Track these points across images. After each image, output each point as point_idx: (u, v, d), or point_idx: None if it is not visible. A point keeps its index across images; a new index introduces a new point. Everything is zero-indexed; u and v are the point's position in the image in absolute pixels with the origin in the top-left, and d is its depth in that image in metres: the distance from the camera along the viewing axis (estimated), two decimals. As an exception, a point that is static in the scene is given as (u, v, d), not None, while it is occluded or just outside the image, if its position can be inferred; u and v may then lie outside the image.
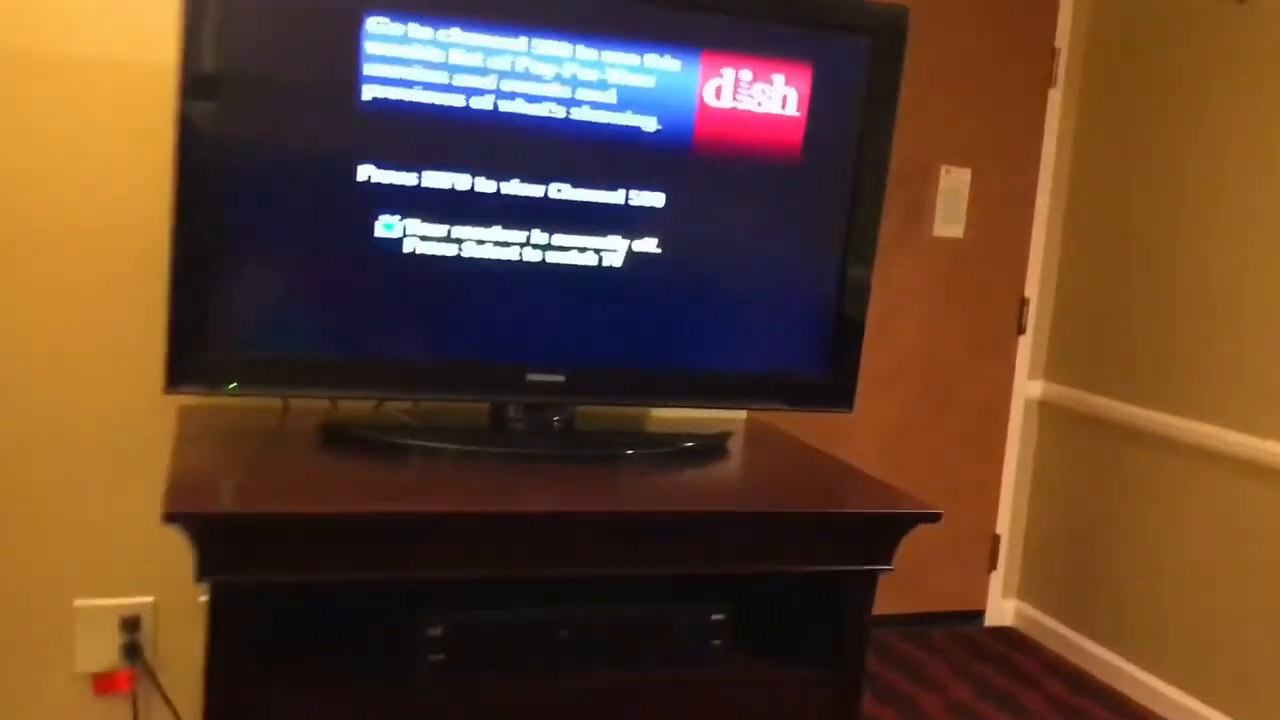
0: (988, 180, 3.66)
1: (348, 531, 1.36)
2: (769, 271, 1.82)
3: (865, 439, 3.60)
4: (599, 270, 1.72)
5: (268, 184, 1.57)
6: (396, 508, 1.40)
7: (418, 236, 1.64)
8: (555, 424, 1.77)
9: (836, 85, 1.79)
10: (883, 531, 1.57)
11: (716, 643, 1.57)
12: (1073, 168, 3.69)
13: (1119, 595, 3.40)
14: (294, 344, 1.62)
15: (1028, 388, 3.79)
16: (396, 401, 1.79)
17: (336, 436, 1.65)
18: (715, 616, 1.56)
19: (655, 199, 1.73)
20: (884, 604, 3.71)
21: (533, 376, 1.71)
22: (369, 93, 1.58)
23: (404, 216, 1.62)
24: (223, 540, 1.31)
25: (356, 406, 1.79)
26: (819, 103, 1.78)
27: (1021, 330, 3.77)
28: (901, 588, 3.74)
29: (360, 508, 1.38)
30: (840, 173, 1.82)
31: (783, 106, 1.77)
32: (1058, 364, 3.73)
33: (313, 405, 1.77)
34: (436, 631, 1.44)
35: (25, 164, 1.74)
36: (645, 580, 1.55)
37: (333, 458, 1.61)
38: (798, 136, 1.79)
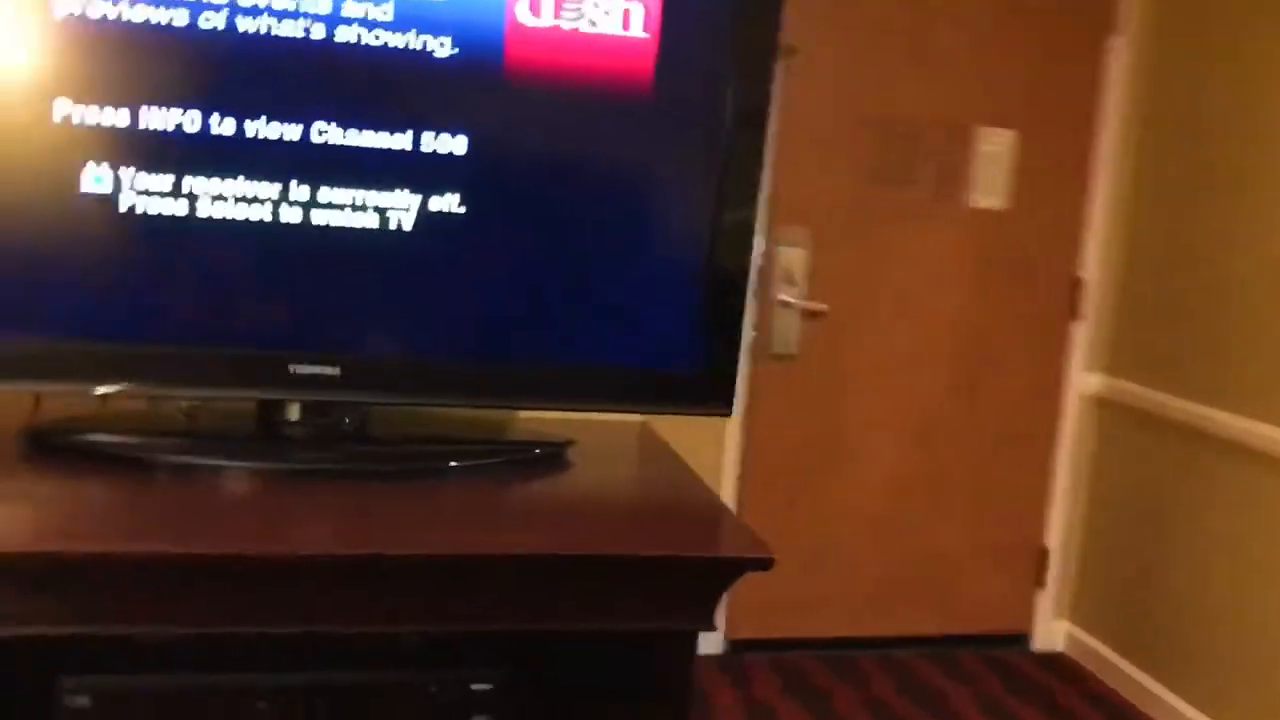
0: (1035, 144, 3.17)
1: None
2: (610, 237, 1.43)
3: (882, 435, 3.17)
4: (383, 234, 1.36)
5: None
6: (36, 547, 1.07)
7: (136, 190, 1.30)
8: (346, 426, 1.42)
9: (698, -2, 1.39)
10: (691, 581, 1.17)
11: (480, 720, 1.20)
12: (1136, 129, 3.17)
13: (1183, 622, 2.89)
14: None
15: (1084, 381, 3.29)
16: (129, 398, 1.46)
17: (42, 444, 1.33)
18: (478, 686, 1.19)
19: (455, 144, 1.36)
20: (907, 623, 3.37)
21: (297, 368, 1.36)
22: (65, 6, 1.25)
23: (118, 166, 1.29)
24: None
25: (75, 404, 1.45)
26: (674, 20, 1.38)
27: (1076, 316, 3.27)
28: (928, 604, 3.31)
29: None
30: (707, 111, 1.41)
31: (625, 26, 1.37)
32: (1120, 355, 3.22)
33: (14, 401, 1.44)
34: (83, 702, 1.10)
35: None
36: (392, 639, 1.19)
37: (32, 472, 1.29)
38: (647, 64, 1.39)
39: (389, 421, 1.48)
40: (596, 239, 1.43)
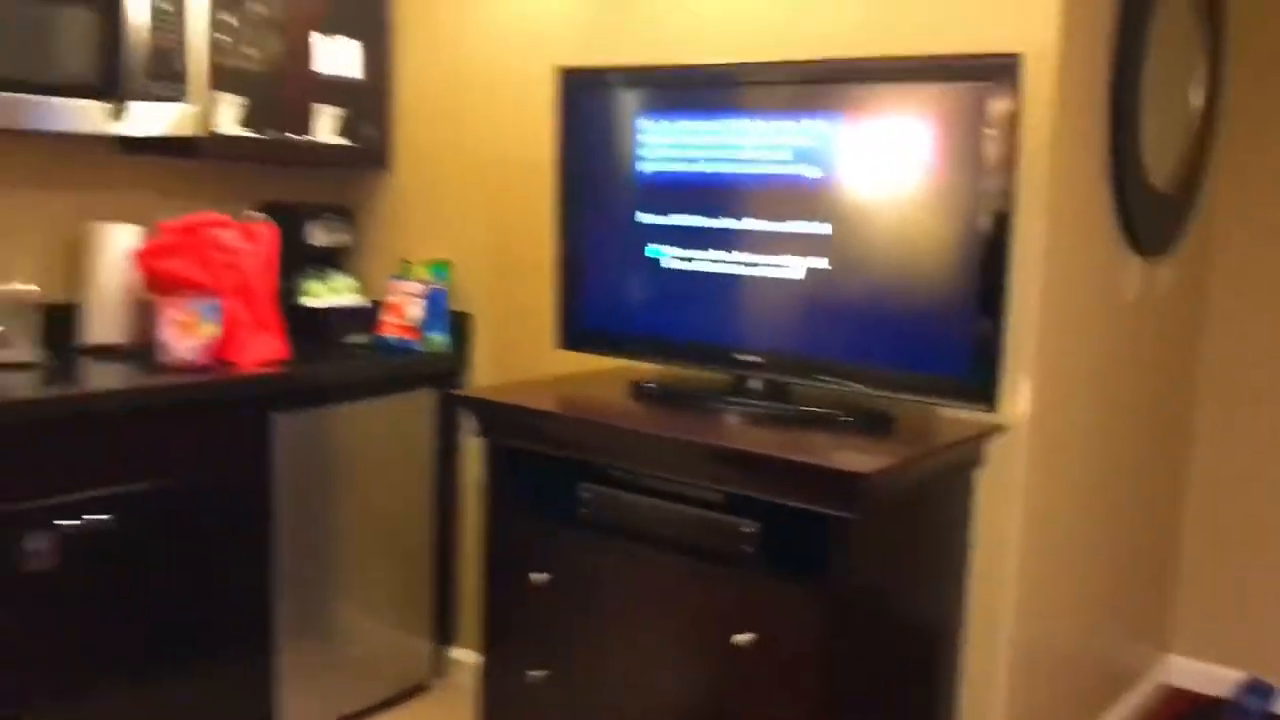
0: None
1: (560, 426, 2.36)
2: (915, 284, 2.21)
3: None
4: (785, 281, 2.36)
5: (601, 224, 2.61)
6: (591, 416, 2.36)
7: (671, 257, 2.50)
8: (771, 390, 2.45)
9: (961, 128, 2.13)
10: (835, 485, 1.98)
11: (748, 549, 2.13)
12: None
13: None
14: (614, 325, 2.62)
15: None
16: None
17: (640, 391, 2.59)
18: (746, 528, 2.13)
19: (823, 228, 2.30)
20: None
21: (738, 355, 2.43)
22: (642, 166, 2.52)
23: (663, 243, 2.51)
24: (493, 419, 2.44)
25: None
26: (946, 144, 2.14)
27: None
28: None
29: (566, 412, 2.37)
30: (969, 198, 2.13)
31: (916, 151, 2.18)
32: None
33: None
34: (586, 494, 2.34)
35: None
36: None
37: (625, 400, 2.56)
38: (931, 175, 2.17)
39: (789, 392, 2.44)
40: (908, 282, 2.23)
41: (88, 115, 2.62)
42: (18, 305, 2.71)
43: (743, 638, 2.12)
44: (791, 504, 2.05)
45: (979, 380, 2.17)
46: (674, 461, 2.23)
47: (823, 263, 2.32)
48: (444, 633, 3.40)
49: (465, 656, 3.39)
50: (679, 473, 2.22)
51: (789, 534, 2.12)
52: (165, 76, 2.73)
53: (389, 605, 3.20)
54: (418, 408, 3.23)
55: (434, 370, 3.24)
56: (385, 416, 3.12)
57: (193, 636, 2.71)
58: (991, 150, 2.11)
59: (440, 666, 3.41)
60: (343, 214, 3.39)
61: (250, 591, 2.83)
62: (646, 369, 2.74)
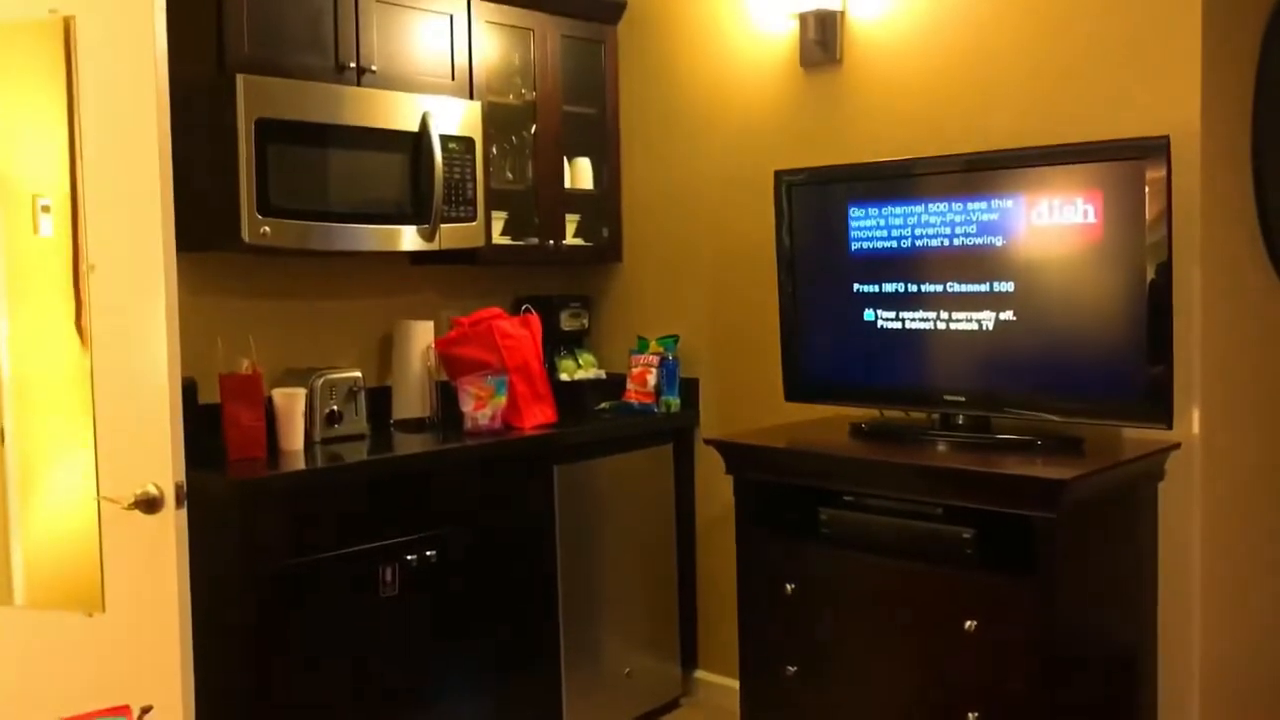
0: None
1: (802, 460, 2.91)
2: (1090, 325, 2.70)
3: None
4: (979, 332, 2.86)
5: (818, 295, 3.17)
6: (826, 450, 2.89)
7: (884, 319, 3.04)
8: (972, 423, 2.94)
9: (1123, 197, 2.62)
10: (1040, 492, 2.45)
11: (968, 552, 2.62)
12: None
13: None
14: (833, 377, 3.17)
15: None
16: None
17: (857, 430, 3.12)
18: (965, 534, 2.62)
19: (1008, 286, 2.81)
20: None
21: (947, 396, 2.94)
22: (854, 245, 3.07)
23: (876, 308, 3.05)
24: (740, 459, 3.00)
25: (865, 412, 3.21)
26: (1111, 211, 2.64)
27: None
28: None
29: (802, 447, 2.91)
30: (1134, 254, 2.61)
31: (1084, 217, 2.68)
32: None
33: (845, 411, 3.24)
34: (826, 516, 2.86)
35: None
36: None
37: (846, 439, 3.08)
38: (1098, 236, 2.66)
39: (997, 425, 2.93)
40: (1085, 325, 2.71)
41: (406, 237, 3.33)
42: (349, 388, 3.41)
43: (970, 623, 2.60)
44: (1004, 511, 2.54)
45: (1153, 402, 2.63)
46: (897, 483, 2.74)
47: (1009, 315, 2.82)
48: (689, 656, 3.93)
49: (708, 677, 3.92)
50: (902, 492, 2.73)
51: (1001, 537, 2.60)
52: (461, 202, 3.42)
53: (646, 630, 3.76)
54: (659, 458, 3.82)
55: (670, 427, 3.83)
56: (635, 467, 3.72)
57: (495, 654, 3.32)
58: (1149, 213, 2.59)
59: (688, 686, 3.94)
60: (585, 302, 4.04)
61: (540, 615, 3.43)
62: (859, 414, 3.26)
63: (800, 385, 3.26)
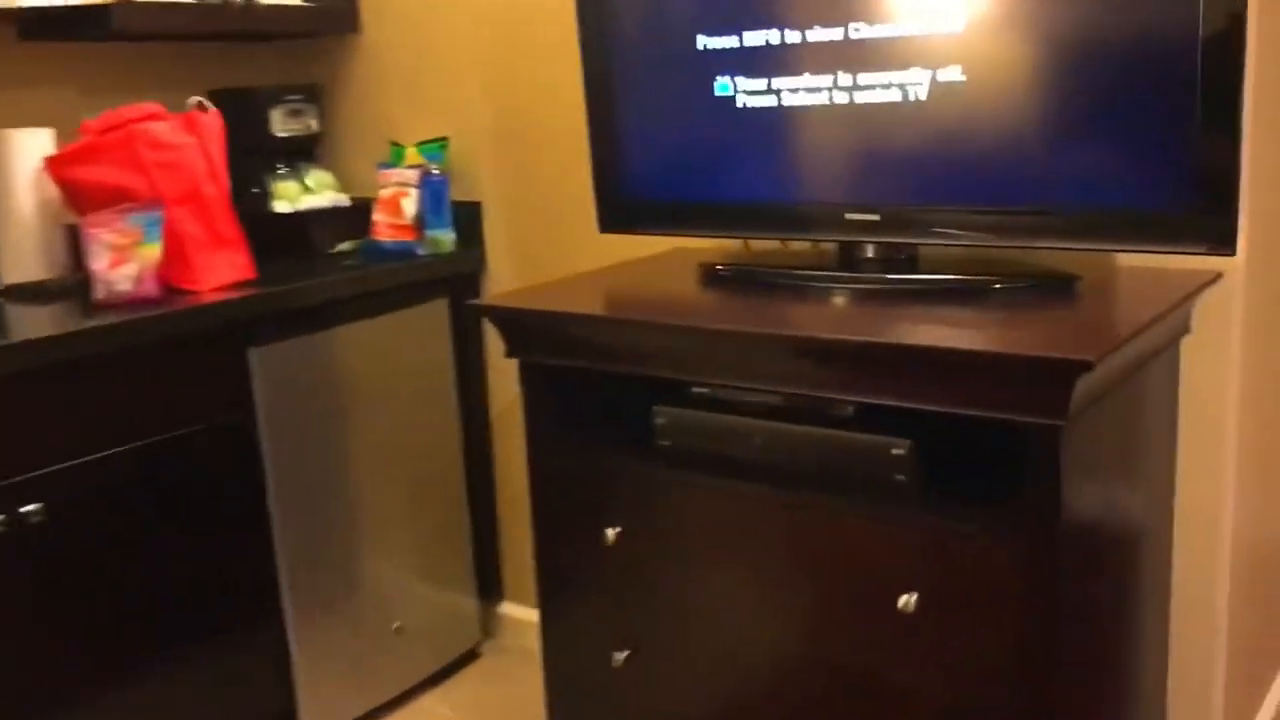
0: None
1: (620, 331, 1.74)
2: (1102, 87, 1.57)
3: None
4: (904, 105, 1.71)
5: (644, 60, 1.96)
6: (642, 317, 1.73)
7: (746, 92, 1.86)
8: (900, 260, 1.82)
9: None
10: (1042, 378, 1.35)
11: (900, 478, 1.53)
12: None
13: None
14: (671, 192, 1.99)
15: None
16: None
17: (711, 276, 1.97)
18: (896, 450, 1.53)
19: (953, 26, 1.65)
20: None
21: (850, 215, 1.80)
22: (695, -26, 1.86)
23: (734, 73, 1.86)
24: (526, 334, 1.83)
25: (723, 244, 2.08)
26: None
27: None
28: None
29: (623, 314, 1.75)
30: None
31: (1095, -110, 1.51)
32: None
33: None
34: (664, 420, 1.74)
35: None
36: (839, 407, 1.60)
37: (694, 290, 1.94)
38: (1120, -79, 1.50)
39: (930, 260, 1.82)
40: (1085, 95, 1.58)
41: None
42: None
43: (905, 599, 1.54)
44: (969, 413, 1.44)
45: (1205, 210, 1.54)
46: (777, 365, 1.61)
47: (952, 73, 1.67)
48: (489, 587, 2.85)
49: (517, 612, 2.85)
50: (786, 383, 1.61)
51: (955, 455, 1.53)
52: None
53: (422, 564, 2.64)
54: (428, 324, 2.62)
55: (442, 276, 2.62)
56: (388, 338, 2.52)
57: (191, 625, 2.16)
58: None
59: (490, 626, 2.87)
60: (310, 94, 2.74)
61: (248, 565, 2.27)
62: (716, 247, 2.12)
63: (620, 207, 2.08)
